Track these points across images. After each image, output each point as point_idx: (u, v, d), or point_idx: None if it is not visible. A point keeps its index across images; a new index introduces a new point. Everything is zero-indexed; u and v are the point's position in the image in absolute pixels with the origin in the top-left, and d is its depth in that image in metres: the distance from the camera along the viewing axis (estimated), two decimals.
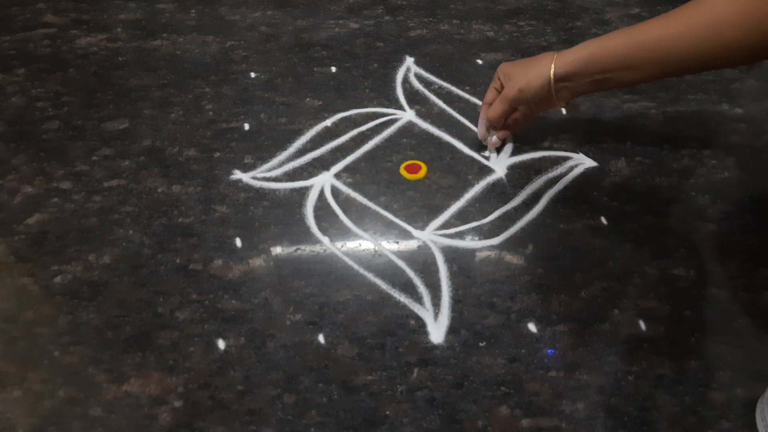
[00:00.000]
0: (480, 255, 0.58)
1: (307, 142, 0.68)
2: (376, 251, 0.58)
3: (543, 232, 0.60)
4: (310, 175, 0.65)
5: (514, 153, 0.67)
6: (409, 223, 0.60)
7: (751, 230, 0.60)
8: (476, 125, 0.70)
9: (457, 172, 0.65)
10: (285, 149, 0.67)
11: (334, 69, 0.78)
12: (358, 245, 0.59)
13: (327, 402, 0.48)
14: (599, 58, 0.56)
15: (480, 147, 0.68)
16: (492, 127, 0.66)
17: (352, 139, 0.69)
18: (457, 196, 0.63)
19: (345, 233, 0.59)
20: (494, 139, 0.66)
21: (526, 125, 0.66)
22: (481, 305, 0.54)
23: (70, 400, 0.48)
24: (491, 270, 0.57)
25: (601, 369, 0.50)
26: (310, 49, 0.81)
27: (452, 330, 0.52)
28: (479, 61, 0.79)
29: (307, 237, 0.59)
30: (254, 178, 0.65)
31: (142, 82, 0.76)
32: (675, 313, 0.53)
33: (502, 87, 0.63)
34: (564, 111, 0.72)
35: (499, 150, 0.68)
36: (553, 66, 0.58)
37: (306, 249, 0.58)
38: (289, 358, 0.50)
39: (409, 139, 0.69)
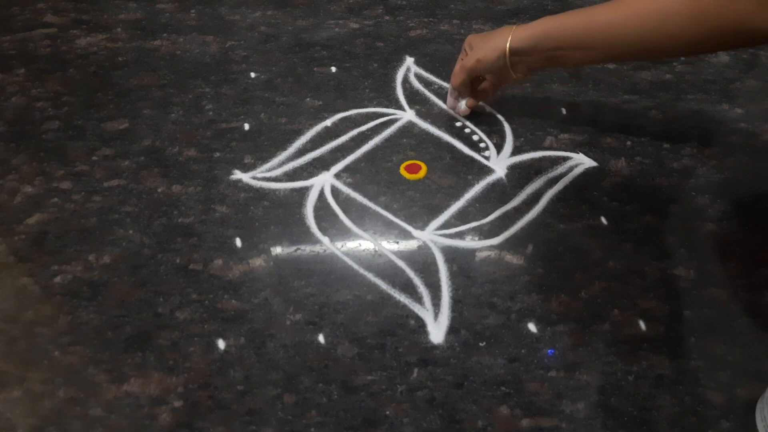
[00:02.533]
0: (480, 255, 0.58)
1: (307, 142, 0.68)
2: (376, 251, 0.58)
3: (543, 232, 0.60)
4: (310, 175, 0.65)
5: (514, 153, 0.67)
6: (409, 223, 0.60)
7: (751, 230, 0.60)
8: (476, 125, 0.70)
9: (457, 172, 0.65)
10: (285, 149, 0.67)
11: (334, 69, 0.78)
12: (358, 245, 0.59)
13: (327, 402, 0.48)
14: (552, 36, 0.58)
15: (479, 147, 0.68)
16: (459, 95, 0.69)
17: (352, 139, 0.69)
18: (457, 196, 0.63)
19: (345, 233, 0.59)
20: (462, 107, 0.70)
21: (493, 95, 0.70)
22: (481, 305, 0.54)
23: (70, 400, 0.48)
24: (491, 270, 0.57)
25: (601, 369, 0.50)
26: (310, 49, 0.81)
27: (452, 330, 0.52)
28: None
29: (307, 237, 0.59)
30: (254, 178, 0.65)
31: (142, 82, 0.76)
32: (675, 313, 0.53)
33: None
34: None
35: (499, 150, 0.68)
36: (509, 40, 0.60)
37: (306, 249, 0.58)
38: (289, 358, 0.50)
39: (409, 139, 0.69)
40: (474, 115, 0.71)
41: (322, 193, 0.63)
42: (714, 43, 0.51)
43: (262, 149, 0.67)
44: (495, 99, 0.72)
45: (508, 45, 0.60)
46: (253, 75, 0.77)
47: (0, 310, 0.54)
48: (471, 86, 0.68)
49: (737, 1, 0.47)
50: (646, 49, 0.54)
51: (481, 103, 0.72)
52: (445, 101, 0.73)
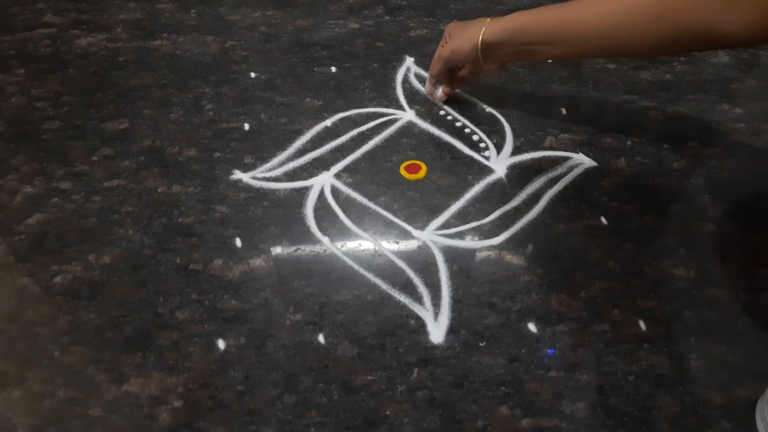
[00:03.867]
0: (480, 255, 0.58)
1: (307, 142, 0.68)
2: (376, 251, 0.58)
3: (543, 232, 0.60)
4: (310, 175, 0.65)
5: (514, 153, 0.67)
6: (409, 223, 0.60)
7: (751, 230, 0.60)
8: (476, 125, 0.70)
9: (457, 172, 0.65)
10: (285, 149, 0.67)
11: (334, 69, 0.78)
12: (358, 245, 0.59)
13: (327, 402, 0.48)
14: (524, 31, 0.59)
15: (479, 147, 0.68)
16: (437, 82, 0.71)
17: (352, 139, 0.69)
18: (457, 196, 0.63)
19: (345, 233, 0.59)
20: (439, 93, 0.72)
21: (471, 82, 0.72)
22: (481, 305, 0.54)
23: (70, 400, 0.48)
24: (491, 270, 0.57)
25: (601, 369, 0.50)
26: (310, 49, 0.81)
27: (452, 330, 0.52)
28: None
29: (307, 237, 0.59)
30: (254, 178, 0.65)
31: (142, 82, 0.76)
32: (675, 313, 0.53)
33: None
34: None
35: (499, 150, 0.68)
36: (482, 32, 0.61)
37: (306, 249, 0.58)
38: (289, 358, 0.50)
39: (409, 139, 0.69)
40: (474, 115, 0.71)
41: (322, 193, 0.63)
42: (679, 43, 0.51)
43: (262, 149, 0.67)
44: (473, 86, 0.74)
45: (480, 38, 0.61)
46: (253, 75, 0.77)
47: (0, 310, 0.54)
48: (449, 74, 0.70)
49: (703, 3, 0.47)
50: (614, 46, 0.55)
51: (458, 90, 0.74)
52: (445, 101, 0.73)
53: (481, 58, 0.62)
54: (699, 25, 0.48)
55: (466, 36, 0.63)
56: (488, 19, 0.61)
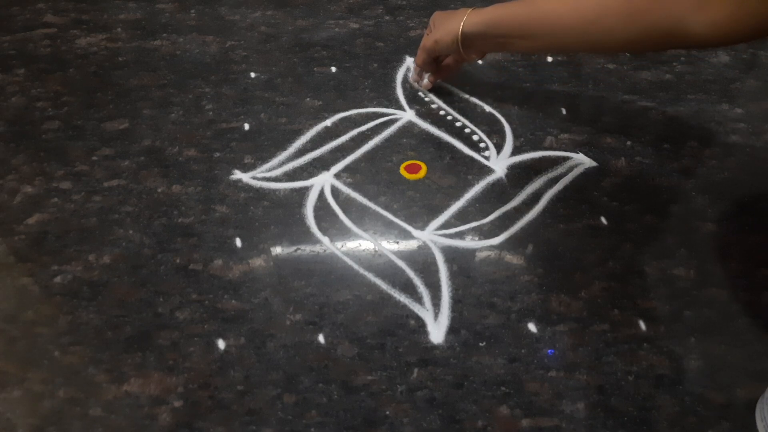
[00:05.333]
0: (480, 255, 0.58)
1: (307, 142, 0.68)
2: (376, 251, 0.58)
3: (543, 232, 0.60)
4: (310, 175, 0.65)
5: (514, 153, 0.67)
6: (409, 223, 0.60)
7: (751, 230, 0.60)
8: (476, 125, 0.70)
9: (457, 172, 0.65)
10: (285, 149, 0.67)
11: (334, 69, 0.78)
12: (358, 245, 0.59)
13: (327, 402, 0.48)
14: (501, 24, 0.60)
15: (479, 147, 0.68)
16: (423, 71, 0.73)
17: (352, 139, 0.69)
18: (457, 196, 0.63)
19: (345, 233, 0.59)
20: (425, 81, 0.74)
21: (456, 71, 0.73)
22: (481, 305, 0.54)
23: (70, 400, 0.48)
24: (491, 270, 0.57)
25: (601, 369, 0.50)
26: (310, 49, 0.81)
27: (452, 330, 0.52)
28: (479, 61, 0.79)
29: (307, 237, 0.59)
30: (254, 178, 0.65)
31: (142, 82, 0.76)
32: (675, 313, 0.53)
33: None
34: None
35: (499, 150, 0.68)
36: (462, 24, 0.62)
37: (306, 249, 0.58)
38: (289, 358, 0.50)
39: (409, 139, 0.69)
40: (474, 115, 0.71)
41: (322, 193, 0.63)
42: (648, 41, 0.52)
43: (262, 149, 0.67)
44: (458, 75, 0.75)
45: (460, 29, 0.62)
46: (253, 75, 0.77)
47: (0, 310, 0.54)
48: (434, 63, 0.71)
49: (672, 1, 0.47)
50: (585, 41, 0.55)
51: (439, 82, 0.75)
52: (445, 101, 0.73)
53: (461, 49, 0.64)
54: (667, 24, 0.48)
55: (447, 27, 0.64)
56: (469, 10, 0.62)
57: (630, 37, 0.51)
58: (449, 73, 0.73)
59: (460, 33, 0.63)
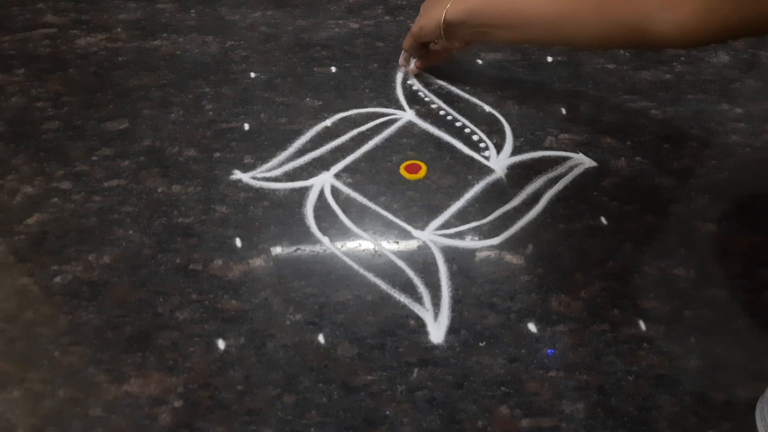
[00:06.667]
0: (480, 255, 0.58)
1: (307, 142, 0.68)
2: (376, 251, 0.58)
3: (543, 232, 0.60)
4: (310, 175, 0.65)
5: (514, 153, 0.67)
6: (409, 223, 0.60)
7: (751, 230, 0.60)
8: (476, 125, 0.70)
9: (457, 172, 0.65)
10: (285, 149, 0.67)
11: (334, 69, 0.78)
12: (358, 245, 0.59)
13: (327, 402, 0.48)
14: (481, 13, 0.61)
15: (479, 147, 0.68)
16: (410, 56, 0.74)
17: (352, 139, 0.69)
18: (457, 196, 0.63)
19: (345, 233, 0.59)
20: (411, 66, 0.75)
21: (444, 58, 0.74)
22: (481, 305, 0.54)
23: (70, 400, 0.48)
24: (491, 270, 0.57)
25: (601, 369, 0.50)
26: (310, 49, 0.81)
27: (452, 330, 0.52)
28: (479, 61, 0.79)
29: (307, 237, 0.59)
30: (254, 178, 0.65)
31: (142, 82, 0.76)
32: (675, 313, 0.53)
33: None
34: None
35: (499, 150, 0.68)
36: (445, 11, 0.63)
37: (306, 249, 0.58)
38: (289, 358, 0.50)
39: (409, 139, 0.69)
40: (474, 115, 0.71)
41: (322, 193, 0.63)
42: (616, 38, 0.52)
43: (262, 149, 0.67)
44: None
45: (443, 16, 0.63)
46: (253, 75, 0.77)
47: (0, 310, 0.54)
48: (421, 48, 0.72)
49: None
50: (558, 34, 0.57)
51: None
52: (445, 101, 0.73)
53: (443, 36, 0.65)
54: (634, 21, 0.48)
55: (431, 14, 0.65)
56: None
57: (599, 32, 0.52)
58: (436, 60, 0.74)
59: (442, 20, 0.63)
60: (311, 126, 0.70)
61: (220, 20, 0.86)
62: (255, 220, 0.60)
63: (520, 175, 0.65)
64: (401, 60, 0.76)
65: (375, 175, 0.65)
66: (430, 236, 0.59)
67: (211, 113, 0.72)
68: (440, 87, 0.76)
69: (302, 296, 0.54)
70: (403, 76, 0.77)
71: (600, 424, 0.47)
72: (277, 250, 0.58)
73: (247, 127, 0.70)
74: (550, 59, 0.80)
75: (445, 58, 0.75)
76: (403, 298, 0.54)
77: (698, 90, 0.75)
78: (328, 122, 0.71)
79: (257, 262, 0.57)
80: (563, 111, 0.72)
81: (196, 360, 0.50)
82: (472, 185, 0.64)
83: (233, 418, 0.47)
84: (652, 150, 0.68)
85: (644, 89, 0.75)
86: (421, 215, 0.61)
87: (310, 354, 0.51)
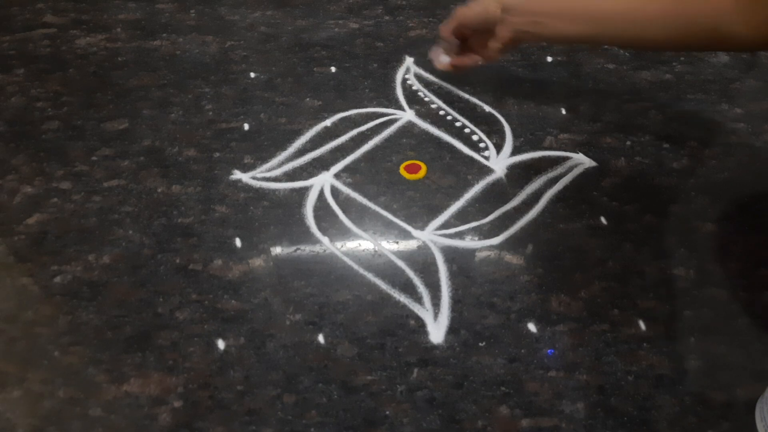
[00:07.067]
0: (480, 255, 0.58)
1: (306, 142, 0.68)
2: (375, 251, 0.58)
3: (543, 232, 0.60)
4: (310, 175, 0.65)
5: (513, 153, 0.67)
6: (409, 223, 0.60)
7: (751, 230, 0.60)
8: (476, 125, 0.70)
9: (457, 172, 0.65)
10: (285, 149, 0.67)
11: (333, 69, 0.78)
12: (358, 245, 0.59)
13: (327, 402, 0.48)
14: None
15: (479, 147, 0.68)
16: (446, 47, 0.70)
17: (352, 139, 0.69)
18: (456, 196, 0.63)
19: (345, 233, 0.59)
20: (442, 60, 0.71)
21: (485, 58, 0.68)
22: (480, 305, 0.54)
23: (70, 400, 0.48)
24: (491, 270, 0.57)
25: (601, 369, 0.50)
26: (309, 49, 0.81)
27: (452, 330, 0.52)
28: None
29: (307, 237, 0.59)
30: (254, 178, 0.65)
31: (142, 82, 0.76)
32: (675, 313, 0.53)
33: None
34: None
35: (499, 150, 0.67)
36: None
37: (306, 249, 0.58)
38: (289, 358, 0.50)
39: (408, 139, 0.69)
40: (474, 115, 0.71)
41: (321, 193, 0.63)
42: (692, 38, 0.51)
43: (261, 149, 0.67)
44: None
45: None
46: (252, 75, 0.77)
47: (0, 310, 0.54)
48: (461, 42, 0.68)
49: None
50: (626, 30, 0.54)
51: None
52: (445, 101, 0.73)
53: (497, 20, 0.61)
54: (709, 21, 0.47)
55: None
56: None
57: (671, 31, 0.50)
58: (471, 61, 0.69)
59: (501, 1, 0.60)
60: (311, 126, 0.70)
61: (220, 20, 0.86)
62: (255, 220, 0.60)
63: (519, 175, 0.65)
64: (433, 50, 0.71)
65: (375, 175, 0.65)
66: (430, 236, 0.59)
67: (211, 113, 0.72)
68: (440, 87, 0.76)
69: (302, 296, 0.54)
70: (403, 76, 0.77)
71: (600, 424, 0.47)
72: (277, 250, 0.58)
73: (247, 127, 0.70)
74: (550, 59, 0.80)
75: (485, 58, 0.68)
76: (403, 298, 0.54)
77: (698, 90, 0.75)
78: (328, 122, 0.71)
79: (257, 262, 0.57)
80: (563, 111, 0.72)
81: (196, 360, 0.50)
82: (472, 185, 0.64)
83: (233, 418, 0.47)
84: (652, 150, 0.68)
85: (644, 89, 0.75)
86: (421, 215, 0.61)
87: (310, 354, 0.51)
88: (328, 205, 0.62)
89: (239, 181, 0.64)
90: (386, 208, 0.62)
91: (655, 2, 0.51)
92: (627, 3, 0.53)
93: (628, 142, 0.68)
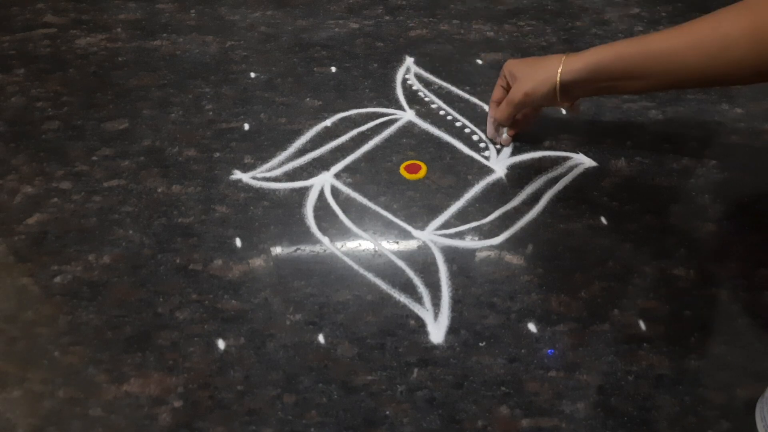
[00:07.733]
0: (480, 255, 0.58)
1: (307, 142, 0.68)
2: (376, 251, 0.58)
3: (543, 232, 0.60)
4: (310, 175, 0.65)
5: (514, 153, 0.67)
6: (409, 223, 0.60)
7: (751, 230, 0.60)
8: (476, 125, 0.70)
9: (457, 172, 0.65)
10: (285, 149, 0.67)
11: (334, 69, 0.78)
12: (358, 245, 0.58)
13: (327, 402, 0.48)
14: (607, 66, 0.56)
15: (479, 147, 0.68)
16: (500, 125, 0.67)
17: (352, 139, 0.69)
18: (457, 196, 0.63)
19: (345, 233, 0.59)
20: (504, 136, 0.67)
21: (534, 120, 0.67)
22: (481, 305, 0.54)
23: (70, 400, 0.48)
24: (491, 270, 0.57)
25: (601, 369, 0.50)
26: (310, 49, 0.81)
27: (452, 330, 0.52)
28: (479, 61, 0.79)
29: (307, 237, 0.59)
30: (254, 178, 0.65)
31: (142, 82, 0.76)
32: (675, 313, 0.53)
33: (509, 85, 0.63)
34: (564, 111, 0.72)
35: (499, 150, 0.68)
36: (560, 72, 0.58)
37: (306, 249, 0.58)
38: (289, 358, 0.50)
39: (408, 139, 0.69)
40: (474, 115, 0.71)
41: (322, 193, 0.63)
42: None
43: (262, 149, 0.67)
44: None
45: (558, 78, 0.58)
46: (252, 75, 0.77)
47: (0, 310, 0.54)
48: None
49: None
50: (706, 76, 0.52)
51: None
52: (445, 101, 0.73)
53: (558, 97, 0.59)
54: None
55: (539, 76, 0.59)
56: (563, 57, 0.58)
57: (755, 68, 0.49)
58: (526, 125, 0.68)
59: (558, 82, 0.58)
60: (311, 126, 0.70)
61: (220, 20, 0.86)
62: (255, 220, 0.60)
63: (520, 175, 0.65)
64: (490, 131, 0.68)
65: (375, 175, 0.65)
66: (430, 236, 0.59)
67: (211, 113, 0.72)
68: (440, 87, 0.76)
69: (302, 296, 0.54)
70: (403, 76, 0.77)
71: (600, 424, 0.47)
72: (277, 250, 0.58)
73: (247, 127, 0.70)
74: None
75: (535, 119, 0.68)
76: (403, 298, 0.54)
77: (698, 90, 0.75)
78: (328, 122, 0.71)
79: (257, 262, 0.57)
80: (563, 111, 0.72)
81: (196, 360, 0.50)
82: (472, 185, 0.64)
83: (233, 418, 0.47)
84: (652, 150, 0.68)
85: None
86: (421, 215, 0.61)
87: (310, 354, 0.51)
88: (328, 205, 0.62)
89: (239, 181, 0.64)
90: (386, 208, 0.62)
91: (735, 47, 0.49)
92: (708, 51, 0.50)
93: (628, 142, 0.68)
